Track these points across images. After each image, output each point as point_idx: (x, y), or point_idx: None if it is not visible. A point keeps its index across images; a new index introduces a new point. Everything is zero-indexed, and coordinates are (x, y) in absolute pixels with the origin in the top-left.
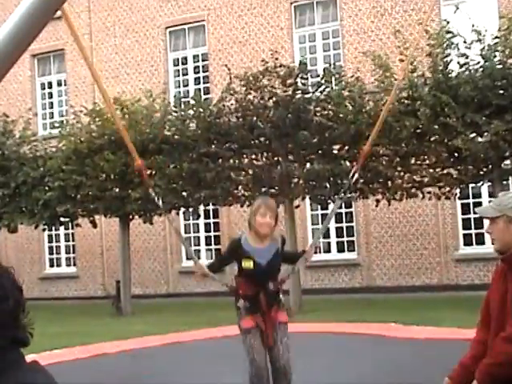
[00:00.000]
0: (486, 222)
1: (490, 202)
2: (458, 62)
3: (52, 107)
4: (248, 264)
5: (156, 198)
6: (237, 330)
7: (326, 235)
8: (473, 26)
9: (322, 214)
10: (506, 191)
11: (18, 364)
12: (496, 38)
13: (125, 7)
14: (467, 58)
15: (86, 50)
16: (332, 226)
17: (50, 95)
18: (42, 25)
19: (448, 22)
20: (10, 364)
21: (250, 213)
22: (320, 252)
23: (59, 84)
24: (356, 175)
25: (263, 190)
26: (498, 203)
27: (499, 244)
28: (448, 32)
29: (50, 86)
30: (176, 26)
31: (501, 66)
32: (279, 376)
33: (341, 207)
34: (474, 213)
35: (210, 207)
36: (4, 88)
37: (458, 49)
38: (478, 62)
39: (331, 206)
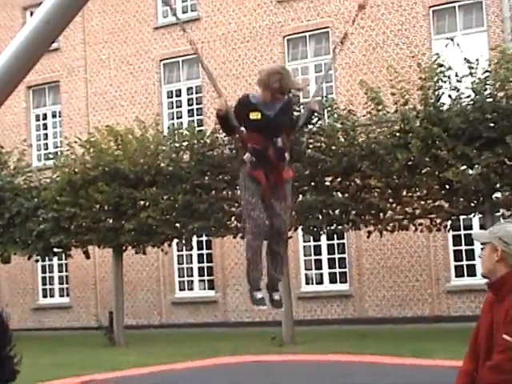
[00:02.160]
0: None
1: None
2: (450, 96)
3: (46, 138)
4: (255, 115)
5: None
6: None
7: (319, 267)
8: (464, 59)
9: (314, 246)
10: (505, 221)
11: None
12: (486, 71)
13: (119, 40)
14: (458, 91)
15: None
16: (324, 257)
17: (45, 126)
18: (37, 57)
19: (439, 56)
20: None
21: (265, 72)
22: (312, 283)
23: (54, 115)
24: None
25: None
26: (490, 230)
27: (483, 269)
28: (439, 65)
29: (45, 117)
30: (170, 58)
31: (491, 100)
32: (275, 235)
33: (333, 238)
34: (466, 244)
35: (203, 238)
36: None
37: (450, 82)
38: (469, 96)
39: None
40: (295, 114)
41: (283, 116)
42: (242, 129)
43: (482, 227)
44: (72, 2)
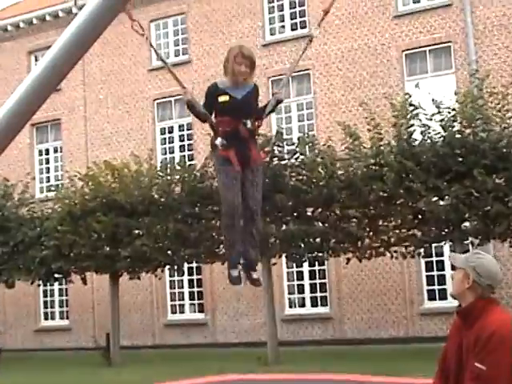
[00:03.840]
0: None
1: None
2: (421, 132)
3: (48, 172)
4: (224, 98)
5: None
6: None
7: (301, 291)
8: (432, 100)
9: (297, 271)
10: (477, 252)
11: None
12: (453, 110)
13: (116, 81)
14: (429, 128)
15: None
16: (306, 282)
17: (47, 161)
18: (44, 99)
19: (410, 96)
20: None
21: (226, 58)
22: (295, 306)
23: (55, 151)
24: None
25: None
26: (466, 257)
27: (454, 291)
28: (411, 105)
29: (47, 152)
30: (163, 98)
31: (459, 136)
32: (248, 215)
33: (314, 265)
34: (437, 270)
35: (194, 264)
36: (5, 154)
37: (420, 120)
38: (439, 132)
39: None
40: (263, 103)
41: (251, 99)
42: (211, 116)
43: None
44: (76, 48)
